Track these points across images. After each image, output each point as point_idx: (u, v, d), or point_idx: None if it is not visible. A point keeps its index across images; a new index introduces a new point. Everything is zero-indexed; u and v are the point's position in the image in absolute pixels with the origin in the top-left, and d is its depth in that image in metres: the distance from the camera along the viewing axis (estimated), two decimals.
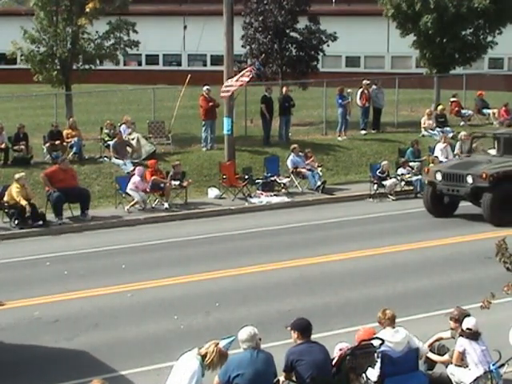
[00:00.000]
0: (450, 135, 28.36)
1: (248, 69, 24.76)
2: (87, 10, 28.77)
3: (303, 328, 9.50)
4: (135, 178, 22.03)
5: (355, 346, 9.83)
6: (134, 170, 23.13)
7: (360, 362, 9.77)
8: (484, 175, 20.03)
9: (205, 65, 55.01)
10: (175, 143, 27.68)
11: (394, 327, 10.08)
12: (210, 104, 26.73)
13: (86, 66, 30.43)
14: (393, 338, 9.90)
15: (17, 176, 20.80)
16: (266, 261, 17.06)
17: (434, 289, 14.98)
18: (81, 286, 15.66)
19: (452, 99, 33.11)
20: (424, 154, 26.05)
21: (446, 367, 10.40)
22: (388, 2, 33.14)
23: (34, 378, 11.65)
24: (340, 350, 9.87)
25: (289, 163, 24.73)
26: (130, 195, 22.14)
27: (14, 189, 20.34)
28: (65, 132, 25.57)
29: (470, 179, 20.29)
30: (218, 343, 8.40)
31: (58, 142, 24.93)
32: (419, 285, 15.32)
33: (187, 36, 53.40)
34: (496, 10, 32.17)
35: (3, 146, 24.47)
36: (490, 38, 33.91)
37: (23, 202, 20.07)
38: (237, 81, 24.03)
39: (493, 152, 22.17)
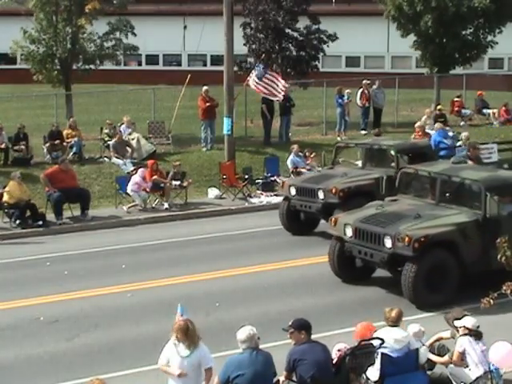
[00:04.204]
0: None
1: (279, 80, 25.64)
2: (87, 10, 28.82)
3: (307, 326, 9.55)
4: (137, 178, 21.98)
5: (355, 346, 9.84)
6: (134, 170, 23.17)
7: (360, 361, 9.78)
8: (334, 190, 18.35)
9: (205, 65, 55.00)
10: (175, 143, 27.67)
11: (397, 325, 10.08)
12: (207, 104, 26.76)
13: (86, 66, 30.46)
14: (393, 336, 9.90)
15: (12, 174, 21.12)
16: (266, 261, 17.06)
17: None
18: (81, 286, 15.67)
19: (456, 99, 33.05)
20: None
21: (446, 367, 10.41)
22: (389, 2, 33.14)
23: (34, 378, 11.67)
24: (338, 350, 9.89)
25: (289, 163, 24.71)
26: (129, 195, 22.14)
27: (12, 186, 20.49)
28: (65, 132, 25.58)
29: (321, 194, 18.62)
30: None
31: (57, 142, 24.96)
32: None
33: (187, 36, 53.40)
34: (496, 10, 32.18)
35: (3, 146, 24.46)
36: (490, 38, 33.92)
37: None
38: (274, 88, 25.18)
39: (359, 163, 20.27)
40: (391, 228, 14.18)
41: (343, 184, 18.61)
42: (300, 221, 19.73)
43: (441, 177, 15.24)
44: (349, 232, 14.94)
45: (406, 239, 13.70)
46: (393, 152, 19.04)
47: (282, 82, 25.86)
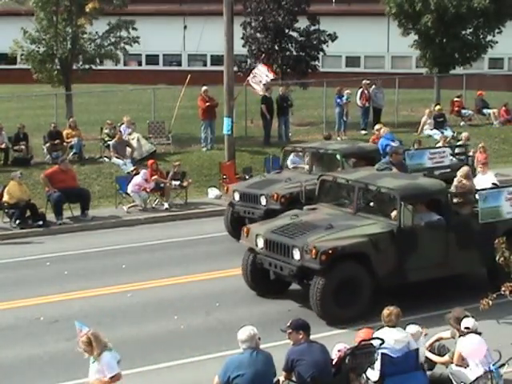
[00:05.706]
0: (450, 135, 28.31)
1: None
2: (87, 10, 28.83)
3: (305, 326, 9.55)
4: (139, 180, 21.93)
5: (355, 346, 9.84)
6: (134, 170, 23.16)
7: (360, 361, 9.78)
8: (275, 196, 17.61)
9: (205, 65, 55.02)
10: (175, 143, 27.68)
11: (395, 326, 10.08)
12: (207, 104, 26.80)
13: (86, 66, 30.48)
14: (393, 336, 9.90)
15: (12, 174, 21.09)
16: None
17: (435, 289, 14.98)
18: (81, 285, 15.67)
19: (456, 99, 33.04)
20: None
21: (446, 367, 10.42)
22: (390, 0, 33.15)
23: (34, 378, 11.67)
24: (339, 351, 9.88)
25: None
26: (130, 195, 22.12)
27: (12, 186, 20.47)
28: (65, 132, 25.59)
29: (263, 200, 17.90)
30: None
31: (57, 142, 24.98)
32: (420, 284, 15.30)
33: (187, 36, 53.41)
34: (495, 10, 32.19)
35: (3, 146, 24.48)
36: (489, 38, 33.92)
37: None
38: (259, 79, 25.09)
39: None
40: (300, 239, 13.39)
41: (285, 190, 17.89)
42: None
43: (358, 185, 14.36)
44: (260, 243, 14.16)
45: (313, 251, 12.92)
46: (338, 156, 18.36)
47: (269, 75, 25.59)
